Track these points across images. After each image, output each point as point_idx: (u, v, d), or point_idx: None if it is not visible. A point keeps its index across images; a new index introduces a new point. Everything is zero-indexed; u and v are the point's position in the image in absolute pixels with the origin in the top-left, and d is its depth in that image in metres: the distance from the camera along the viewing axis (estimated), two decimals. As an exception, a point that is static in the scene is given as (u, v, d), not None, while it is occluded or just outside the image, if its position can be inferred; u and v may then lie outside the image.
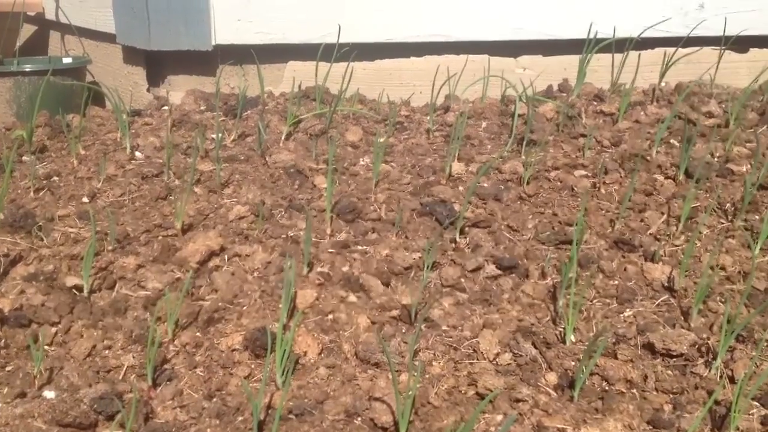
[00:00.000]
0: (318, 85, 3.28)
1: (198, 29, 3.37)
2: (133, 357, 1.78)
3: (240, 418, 1.59)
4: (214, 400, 1.65)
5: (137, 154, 2.79)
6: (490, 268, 2.06)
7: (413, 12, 3.36)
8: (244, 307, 1.94)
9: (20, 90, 3.42)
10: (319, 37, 3.33)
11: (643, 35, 3.18)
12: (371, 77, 3.47)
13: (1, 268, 2.04)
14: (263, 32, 3.39)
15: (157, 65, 3.58)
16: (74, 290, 1.99)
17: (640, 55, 3.20)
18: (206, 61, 3.51)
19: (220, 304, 1.94)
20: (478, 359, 1.74)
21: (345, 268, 2.09)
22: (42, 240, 2.22)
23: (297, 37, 3.41)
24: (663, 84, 3.21)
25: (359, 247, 2.20)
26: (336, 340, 1.82)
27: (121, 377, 1.73)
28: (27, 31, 4.12)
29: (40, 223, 2.27)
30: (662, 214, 2.29)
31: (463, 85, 3.23)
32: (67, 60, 3.70)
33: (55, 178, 2.62)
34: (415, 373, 1.61)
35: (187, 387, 1.69)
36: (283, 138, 2.93)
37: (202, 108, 3.32)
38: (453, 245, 2.21)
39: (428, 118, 3.10)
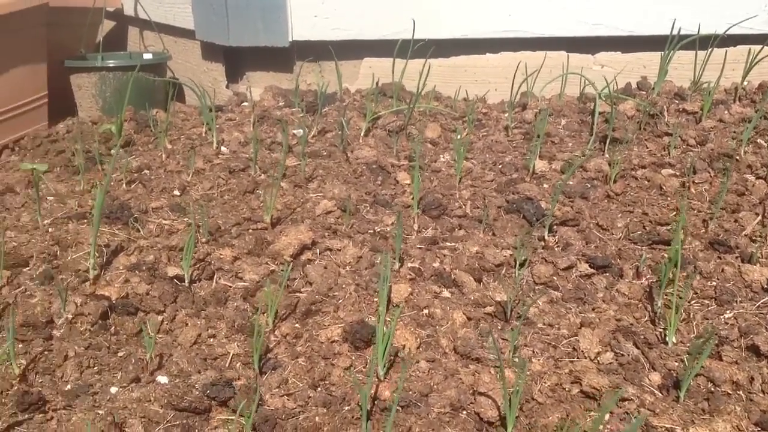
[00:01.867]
0: (394, 81, 3.31)
1: (275, 26, 3.43)
2: (238, 345, 1.83)
3: (347, 408, 1.62)
4: (319, 389, 1.69)
5: (223, 148, 2.85)
6: (583, 267, 2.06)
7: (488, 7, 3.36)
8: (340, 300, 1.98)
9: (105, 85, 3.51)
10: (393, 33, 3.36)
11: (725, 32, 3.14)
12: (446, 74, 3.48)
13: (104, 258, 2.11)
14: (339, 28, 3.43)
15: (236, 61, 3.65)
16: (175, 280, 2.05)
17: (726, 52, 3.15)
18: (283, 57, 3.57)
19: (316, 296, 1.98)
20: (578, 357, 1.75)
21: (436, 264, 2.11)
22: (138, 231, 2.28)
23: (372, 33, 3.44)
24: (746, 83, 3.16)
25: (448, 244, 2.22)
26: (433, 334, 1.85)
27: (227, 365, 1.77)
28: (106, 26, 4.21)
29: (136, 215, 2.34)
30: (756, 215, 2.26)
31: (540, 82, 3.23)
32: (147, 56, 3.78)
33: (146, 171, 2.70)
34: (518, 369, 1.63)
35: (291, 376, 1.73)
36: (362, 134, 2.96)
37: (280, 104, 3.37)
38: (542, 243, 2.21)
39: (506, 115, 3.11)
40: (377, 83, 3.29)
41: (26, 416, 1.58)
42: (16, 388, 1.67)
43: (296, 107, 3.27)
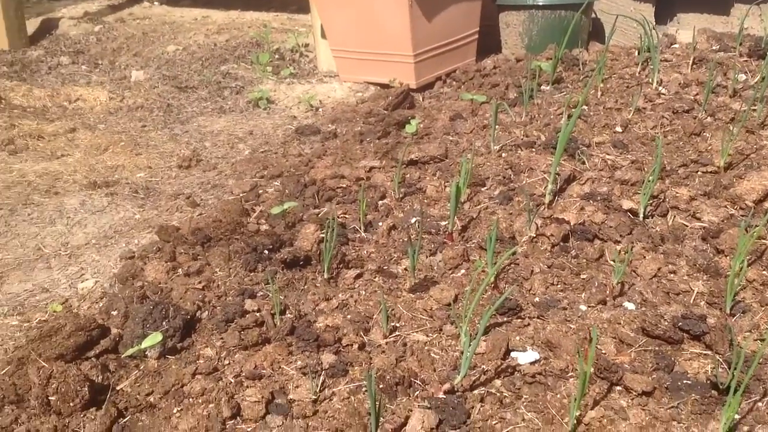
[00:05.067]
0: None
1: (720, -36, 3.23)
2: (702, 284, 1.78)
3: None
4: (797, 342, 1.59)
5: (661, 89, 2.77)
6: None
7: None
8: (818, 254, 1.83)
9: (533, 23, 3.60)
10: None
11: None
12: None
13: (557, 185, 2.18)
14: (794, -34, 3.12)
15: (667, 3, 3.52)
16: (629, 213, 2.05)
17: None
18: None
19: (788, 246, 1.85)
20: None
21: None
22: (583, 163, 2.32)
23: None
24: None
25: None
26: None
27: (691, 301, 1.74)
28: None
29: (581, 148, 2.38)
30: None
31: None
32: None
33: (584, 107, 2.73)
34: None
35: (762, 322, 1.65)
36: (817, 82, 2.68)
37: (714, 47, 3.18)
38: None
39: None
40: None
41: (505, 319, 1.71)
42: (489, 293, 1.82)
43: (734, 51, 3.07)
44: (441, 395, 1.50)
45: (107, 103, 3.62)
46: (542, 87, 3.09)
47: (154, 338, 1.71)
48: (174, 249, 2.15)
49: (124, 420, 1.54)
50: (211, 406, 1.50)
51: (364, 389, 1.53)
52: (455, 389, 1.52)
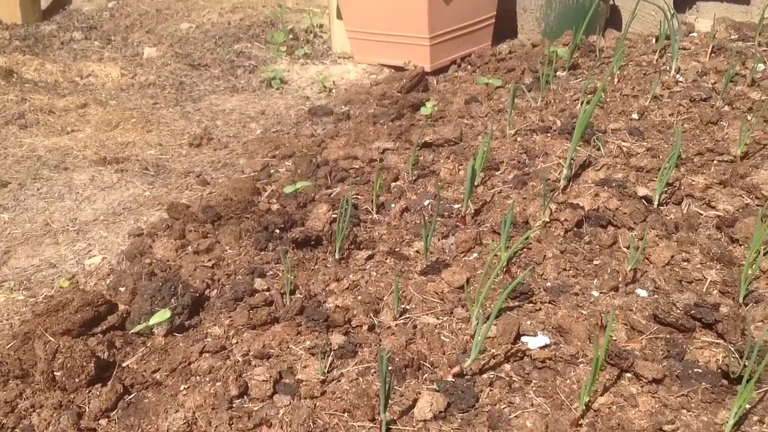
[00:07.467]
0: None
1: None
2: (715, 273, 1.76)
3: None
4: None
5: (678, 77, 2.74)
6: None
7: None
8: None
9: (550, 9, 3.56)
10: None
11: None
12: None
13: (572, 170, 2.16)
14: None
15: (686, -10, 3.48)
16: (644, 200, 2.03)
17: None
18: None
19: (803, 237, 1.82)
20: None
21: None
22: (599, 149, 2.29)
23: None
24: None
25: None
26: None
27: (704, 290, 1.72)
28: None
29: (597, 134, 2.35)
30: None
31: None
32: (590, -18, 3.76)
33: (601, 93, 2.69)
34: None
35: (776, 313, 1.63)
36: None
37: (733, 37, 3.13)
38: None
39: None
40: None
41: (516, 303, 1.69)
42: (501, 277, 1.80)
43: (753, 41, 3.02)
44: (450, 378, 1.49)
45: (119, 79, 3.61)
46: (558, 73, 3.06)
47: (162, 315, 1.71)
48: (184, 227, 2.15)
49: (130, 396, 1.53)
50: (218, 385, 1.49)
51: (372, 371, 1.52)
52: (464, 373, 1.51)
